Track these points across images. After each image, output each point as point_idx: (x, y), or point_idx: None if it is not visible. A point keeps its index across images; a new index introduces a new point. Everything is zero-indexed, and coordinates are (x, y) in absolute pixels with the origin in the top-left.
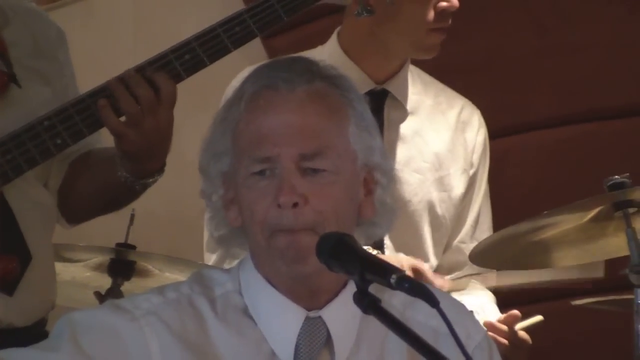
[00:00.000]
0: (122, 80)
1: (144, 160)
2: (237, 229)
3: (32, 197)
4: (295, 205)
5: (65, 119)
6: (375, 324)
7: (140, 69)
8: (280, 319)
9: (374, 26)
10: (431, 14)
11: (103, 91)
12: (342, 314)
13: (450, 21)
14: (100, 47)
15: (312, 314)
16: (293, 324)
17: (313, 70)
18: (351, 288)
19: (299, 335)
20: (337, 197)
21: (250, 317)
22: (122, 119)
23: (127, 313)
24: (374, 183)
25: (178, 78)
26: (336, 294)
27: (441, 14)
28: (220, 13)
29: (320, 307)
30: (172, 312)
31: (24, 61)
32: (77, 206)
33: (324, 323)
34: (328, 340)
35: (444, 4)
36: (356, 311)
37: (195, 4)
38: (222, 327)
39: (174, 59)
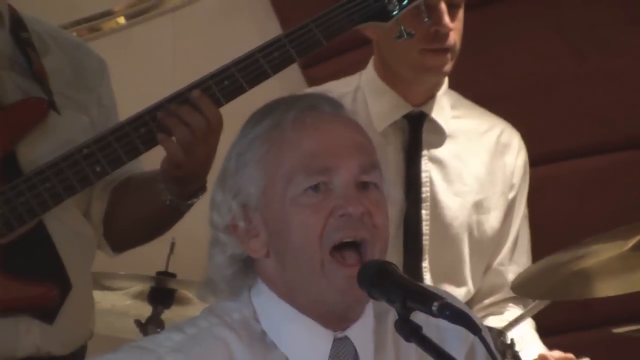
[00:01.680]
0: (173, 110)
1: (190, 183)
2: (249, 262)
3: (72, 226)
4: (362, 215)
5: (104, 146)
6: (383, 329)
7: (184, 97)
8: (308, 342)
9: (383, 51)
10: (420, 35)
11: (140, 119)
12: (363, 330)
13: (449, 42)
14: (139, 76)
15: (339, 334)
16: (322, 347)
17: (336, 100)
18: (370, 305)
19: (330, 358)
20: (386, 214)
21: (271, 342)
22: None
23: (153, 353)
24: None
25: (217, 104)
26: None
27: (434, 35)
28: (258, 41)
29: (345, 327)
30: (197, 348)
31: (63, 90)
32: (122, 233)
33: (351, 342)
34: (355, 358)
35: (435, 27)
36: (371, 322)
37: (233, 32)
38: (247, 351)
39: (213, 85)
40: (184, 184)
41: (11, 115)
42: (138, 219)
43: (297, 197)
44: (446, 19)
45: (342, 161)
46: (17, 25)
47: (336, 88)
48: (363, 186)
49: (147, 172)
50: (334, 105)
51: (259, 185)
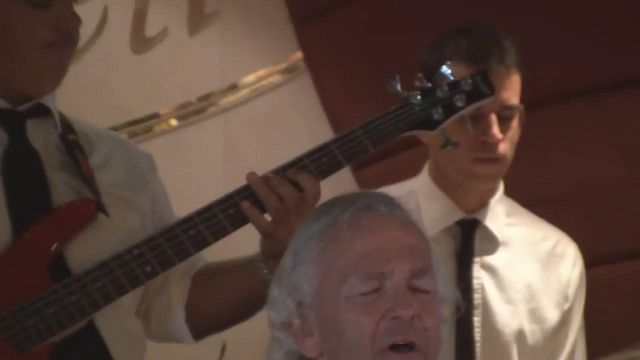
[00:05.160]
0: (265, 180)
1: None
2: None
3: (123, 325)
4: (412, 319)
5: (154, 247)
6: None
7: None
8: None
9: (435, 156)
10: (471, 144)
11: (189, 221)
12: None
13: (498, 152)
14: (190, 177)
15: None
16: None
17: (393, 200)
18: None
19: None
20: (438, 318)
21: None
22: None
23: None
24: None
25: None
26: None
27: (483, 144)
28: (308, 141)
29: None
30: None
31: (111, 189)
32: (207, 319)
33: None
34: None
35: (483, 136)
36: None
37: (283, 133)
38: None
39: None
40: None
41: (61, 216)
42: (227, 302)
43: (350, 297)
44: (494, 129)
45: (395, 265)
46: (66, 128)
47: (390, 192)
48: (417, 290)
49: (228, 260)
50: (390, 205)
51: (314, 283)
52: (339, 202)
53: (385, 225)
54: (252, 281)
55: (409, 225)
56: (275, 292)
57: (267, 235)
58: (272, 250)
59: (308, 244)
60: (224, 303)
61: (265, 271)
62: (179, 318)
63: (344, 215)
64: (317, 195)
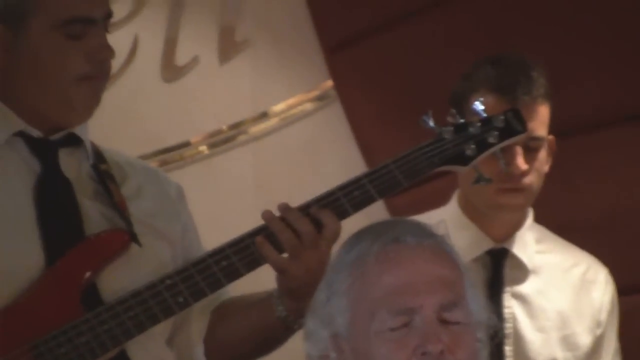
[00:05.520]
0: (280, 217)
1: (306, 297)
2: None
3: (154, 354)
4: (441, 353)
5: (186, 278)
6: None
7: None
8: None
9: (463, 186)
10: (495, 175)
11: (221, 252)
12: None
13: (523, 183)
14: (220, 205)
15: None
16: None
17: (425, 228)
18: None
19: None
20: (471, 350)
21: None
22: None
23: None
24: (478, 341)
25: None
26: None
27: (508, 175)
28: (339, 171)
29: None
30: None
31: (143, 219)
32: (225, 353)
33: None
34: None
35: (508, 167)
36: None
37: (314, 162)
38: None
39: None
40: (298, 297)
41: (94, 245)
42: (245, 338)
43: (380, 332)
44: (519, 160)
45: (423, 299)
46: (98, 157)
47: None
48: (448, 322)
49: (250, 294)
50: (419, 235)
51: (346, 317)
52: (369, 234)
53: (414, 258)
54: (268, 317)
55: (439, 255)
56: (310, 324)
57: (281, 271)
58: (287, 286)
59: (339, 276)
60: (240, 338)
61: (280, 307)
62: (198, 353)
63: (373, 248)
64: (337, 233)
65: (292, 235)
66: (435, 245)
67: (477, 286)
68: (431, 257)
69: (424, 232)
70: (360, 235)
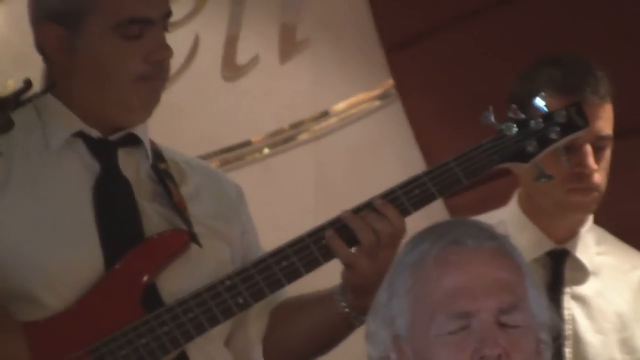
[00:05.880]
0: (360, 215)
1: (369, 294)
2: None
3: (213, 356)
4: (499, 357)
5: (246, 278)
6: None
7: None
8: None
9: (527, 186)
10: (564, 175)
11: (281, 252)
12: None
13: (594, 182)
14: (281, 206)
15: None
16: None
17: (486, 229)
18: None
19: None
20: (530, 353)
21: None
22: None
23: None
24: (541, 342)
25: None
26: None
27: (578, 175)
28: (400, 170)
29: None
30: None
31: (202, 219)
32: (285, 354)
33: None
34: None
35: (579, 168)
36: None
37: (375, 161)
38: None
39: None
40: (363, 294)
41: (153, 246)
42: (306, 338)
43: (439, 335)
44: (590, 160)
45: (481, 303)
46: (157, 157)
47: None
48: (507, 326)
49: (308, 293)
50: (480, 237)
51: (407, 318)
52: (429, 235)
53: (473, 261)
54: (331, 315)
55: (499, 258)
56: (371, 325)
57: (349, 266)
58: (353, 282)
59: (400, 277)
60: (302, 338)
61: (343, 304)
62: (257, 354)
63: (432, 250)
64: (402, 231)
65: (371, 234)
66: (496, 247)
67: (540, 287)
68: (490, 260)
69: (485, 234)
70: (420, 237)
